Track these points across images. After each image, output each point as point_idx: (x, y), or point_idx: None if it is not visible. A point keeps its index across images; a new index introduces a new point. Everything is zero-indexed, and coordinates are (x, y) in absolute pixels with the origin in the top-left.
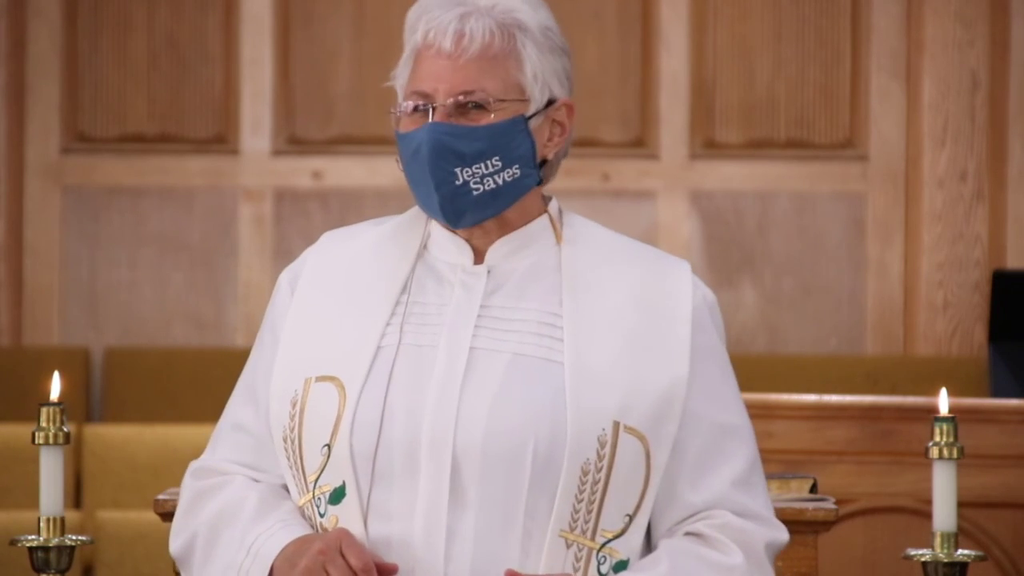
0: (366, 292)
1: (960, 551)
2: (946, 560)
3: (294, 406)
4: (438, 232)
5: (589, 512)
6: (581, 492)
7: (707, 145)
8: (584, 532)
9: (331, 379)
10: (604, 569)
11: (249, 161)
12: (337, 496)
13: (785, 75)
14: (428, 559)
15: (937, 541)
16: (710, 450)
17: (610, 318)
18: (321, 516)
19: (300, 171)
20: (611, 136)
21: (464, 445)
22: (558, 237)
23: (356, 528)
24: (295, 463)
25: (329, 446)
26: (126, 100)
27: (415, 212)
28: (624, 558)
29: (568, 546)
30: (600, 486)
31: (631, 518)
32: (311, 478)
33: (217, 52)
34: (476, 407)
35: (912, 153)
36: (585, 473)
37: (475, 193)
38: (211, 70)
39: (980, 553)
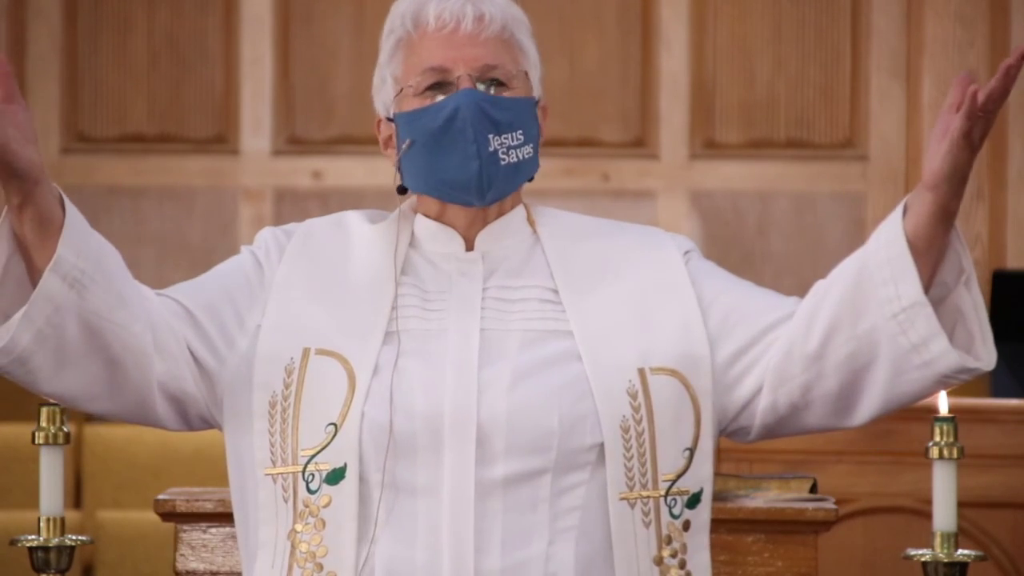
0: (362, 275)
1: (960, 551)
2: (946, 560)
3: (289, 374)
4: (426, 225)
5: (643, 465)
6: (628, 450)
7: (707, 145)
8: (644, 485)
9: (335, 355)
10: (677, 511)
11: (249, 161)
12: (336, 476)
13: (785, 75)
14: (457, 534)
15: (937, 541)
16: (750, 287)
17: (605, 283)
18: (311, 492)
19: (300, 171)
20: (611, 136)
21: (488, 418)
22: (532, 223)
23: (350, 508)
24: (281, 431)
25: (336, 426)
26: (126, 100)
27: (399, 214)
28: (696, 490)
29: (632, 506)
30: (647, 436)
31: (692, 451)
32: (305, 452)
33: (217, 52)
34: (497, 381)
35: (912, 153)
36: (626, 431)
37: (503, 163)
38: (211, 70)
39: (980, 553)
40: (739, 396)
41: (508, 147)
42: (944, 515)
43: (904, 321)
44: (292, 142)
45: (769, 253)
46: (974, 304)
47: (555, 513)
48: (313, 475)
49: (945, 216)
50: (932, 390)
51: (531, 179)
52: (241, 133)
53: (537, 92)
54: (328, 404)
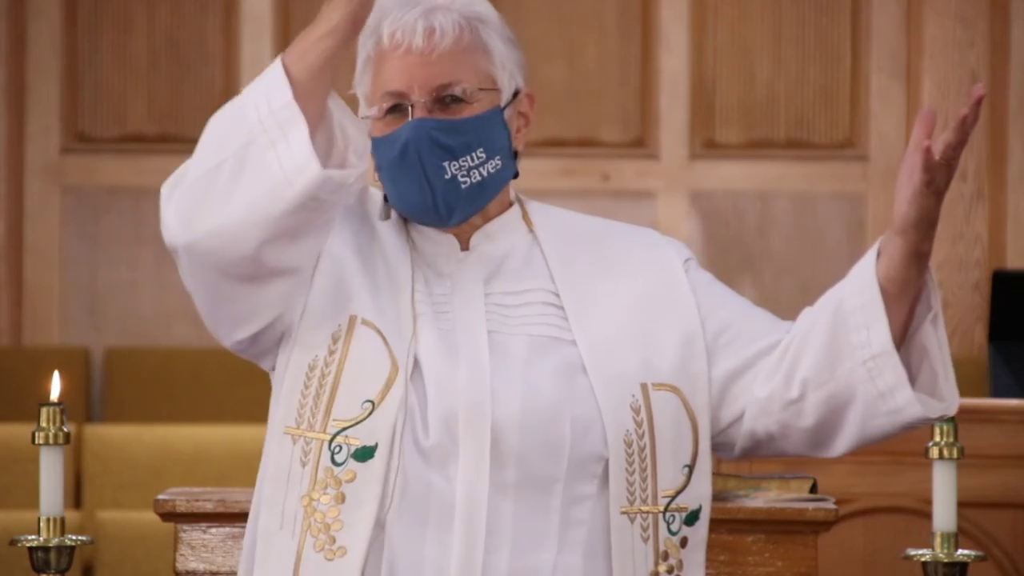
0: (387, 265)
1: (960, 551)
2: (946, 560)
3: (335, 341)
4: (421, 229)
5: (644, 480)
6: (631, 464)
7: (707, 145)
8: (644, 500)
9: (378, 331)
10: (675, 527)
11: None
12: (365, 454)
13: (785, 75)
14: (468, 533)
15: (937, 541)
16: (747, 306)
17: (605, 290)
18: (337, 464)
19: None
20: (611, 136)
21: (503, 419)
22: (529, 224)
23: (374, 488)
24: (316, 395)
25: (373, 403)
26: (126, 100)
27: (396, 217)
28: (695, 508)
29: (632, 520)
30: (648, 451)
31: (691, 468)
32: (337, 424)
33: (217, 52)
34: (509, 382)
35: None
36: (629, 445)
37: (463, 187)
38: (211, 70)
39: (980, 553)
40: (725, 416)
41: (468, 168)
42: (944, 515)
43: (873, 368)
44: None
45: (769, 253)
46: (939, 342)
47: (565, 523)
48: (341, 447)
49: (917, 258)
50: (899, 434)
51: (515, 176)
52: None
53: (511, 88)
54: (369, 380)
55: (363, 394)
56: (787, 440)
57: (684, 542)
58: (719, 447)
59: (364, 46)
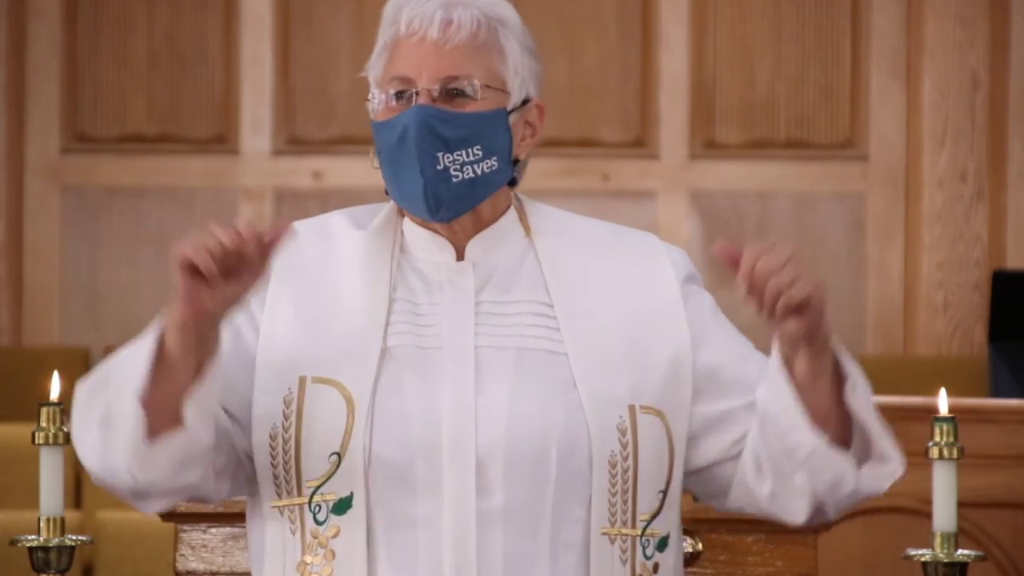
0: (352, 292)
1: (960, 551)
2: (946, 560)
3: (288, 405)
4: (415, 232)
5: (625, 502)
6: (614, 486)
7: (707, 145)
8: (624, 523)
9: (332, 382)
10: (649, 552)
11: (249, 161)
12: (343, 506)
13: (785, 75)
14: (459, 565)
15: (937, 541)
16: (743, 350)
17: (600, 302)
18: (319, 524)
19: (300, 171)
20: (611, 136)
21: (487, 446)
22: (527, 229)
23: (359, 537)
24: (284, 463)
25: (339, 455)
26: (126, 100)
27: (387, 216)
28: (664, 534)
29: (612, 541)
30: (631, 473)
31: (664, 493)
32: (310, 484)
33: (217, 52)
34: (494, 406)
35: (912, 153)
36: (613, 466)
37: (455, 180)
38: (211, 70)
39: (980, 553)
40: (692, 459)
41: (462, 163)
42: (944, 515)
43: (813, 467)
44: (292, 142)
45: None
46: (862, 407)
47: (555, 546)
48: (320, 506)
49: (812, 340)
50: (872, 498)
51: (513, 184)
52: (241, 133)
53: (521, 94)
54: (330, 433)
55: (328, 448)
56: (779, 520)
57: (656, 567)
58: (713, 498)
59: (383, 33)
